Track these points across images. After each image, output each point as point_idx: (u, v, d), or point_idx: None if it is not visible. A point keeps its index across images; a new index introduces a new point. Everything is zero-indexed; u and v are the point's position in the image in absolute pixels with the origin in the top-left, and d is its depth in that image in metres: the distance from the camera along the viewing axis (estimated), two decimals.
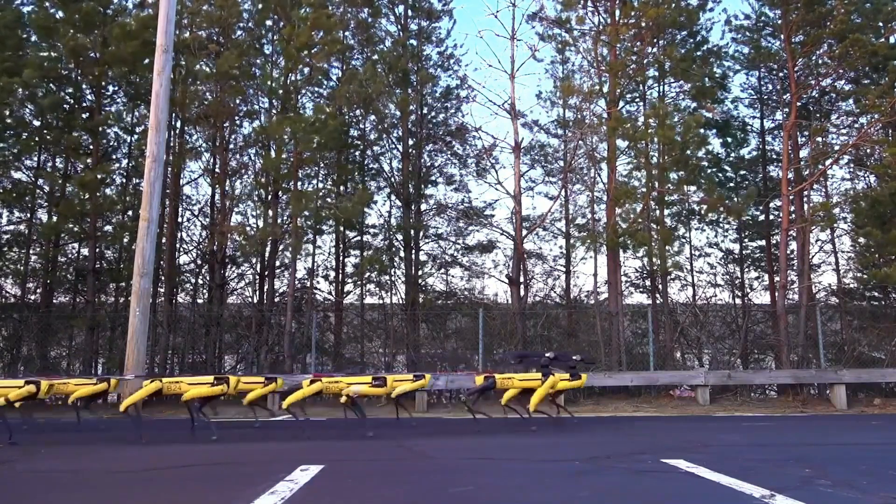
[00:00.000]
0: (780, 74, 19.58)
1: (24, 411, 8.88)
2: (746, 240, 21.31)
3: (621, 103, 18.19)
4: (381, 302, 19.70)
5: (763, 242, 20.74)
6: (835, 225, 18.71)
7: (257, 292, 18.68)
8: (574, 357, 9.38)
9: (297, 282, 17.81)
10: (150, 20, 15.68)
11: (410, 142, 19.34)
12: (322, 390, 8.56)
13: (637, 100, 19.48)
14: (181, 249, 19.45)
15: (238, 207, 18.78)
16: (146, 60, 15.89)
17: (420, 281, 19.38)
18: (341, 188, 18.89)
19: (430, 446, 6.94)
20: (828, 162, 18.19)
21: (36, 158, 17.83)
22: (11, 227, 18.09)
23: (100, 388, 8.75)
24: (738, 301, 20.77)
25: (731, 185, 20.52)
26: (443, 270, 20.58)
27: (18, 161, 17.19)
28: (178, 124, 18.18)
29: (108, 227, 17.52)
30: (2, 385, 8.20)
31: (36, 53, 16.22)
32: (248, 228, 17.35)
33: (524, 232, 18.66)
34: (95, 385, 8.71)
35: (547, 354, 9.21)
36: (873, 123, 17.08)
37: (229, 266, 18.92)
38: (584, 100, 17.70)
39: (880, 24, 16.84)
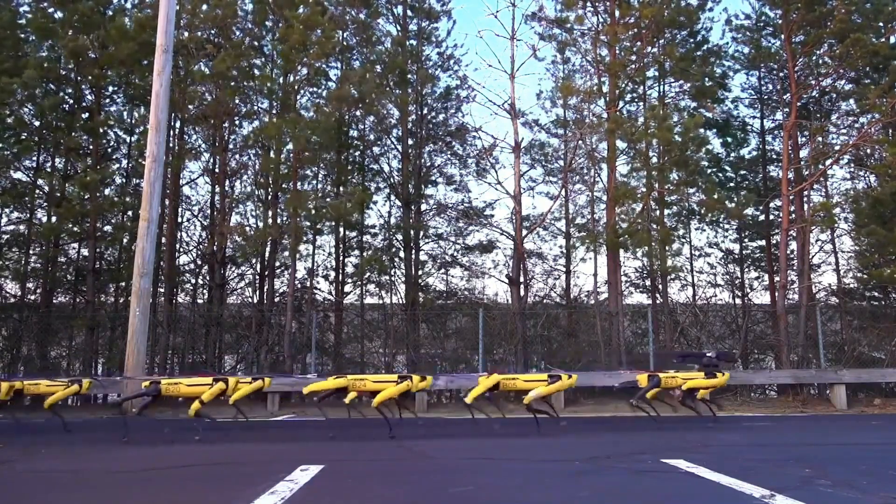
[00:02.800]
0: (781, 74, 19.57)
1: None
2: (746, 240, 21.32)
3: (621, 103, 18.19)
4: (381, 302, 19.71)
5: (763, 242, 20.73)
6: (835, 225, 18.71)
7: (257, 292, 18.69)
8: (709, 354, 9.52)
9: (297, 282, 17.81)
10: (148, 21, 15.69)
11: (410, 142, 19.34)
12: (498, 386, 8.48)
13: (637, 100, 19.48)
14: (181, 249, 19.47)
15: (238, 208, 18.80)
16: (145, 61, 15.89)
17: (420, 281, 19.38)
18: (341, 188, 18.88)
19: (430, 446, 6.94)
20: (828, 162, 18.19)
21: (36, 159, 17.83)
22: (11, 228, 18.10)
23: (70, 391, 8.69)
24: (738, 301, 20.77)
25: (731, 185, 20.52)
26: (443, 270, 20.59)
27: (18, 161, 17.20)
28: (178, 124, 18.18)
29: (108, 228, 17.52)
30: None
31: (35, 54, 16.23)
32: (247, 229, 17.35)
33: (524, 232, 18.66)
34: (67, 388, 8.66)
35: (709, 354, 9.39)
36: (873, 123, 17.08)
37: (229, 266, 18.92)
38: (584, 100, 17.71)
39: (881, 24, 16.84)
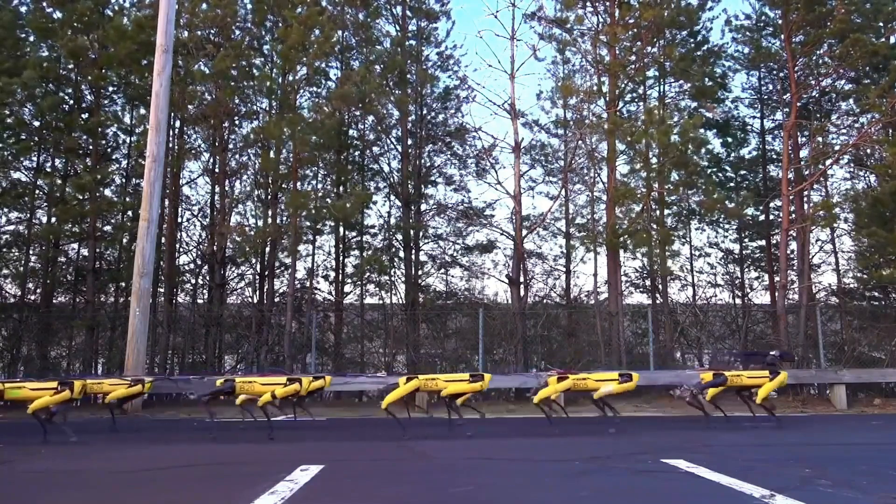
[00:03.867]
0: (781, 74, 19.58)
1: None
2: (746, 240, 21.31)
3: (621, 103, 18.19)
4: (381, 302, 19.70)
5: (763, 242, 20.73)
6: (835, 225, 18.70)
7: (257, 292, 18.68)
8: (773, 353, 9.57)
9: (296, 282, 17.81)
10: (147, 21, 15.69)
11: (410, 142, 19.34)
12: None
13: (637, 100, 19.48)
14: (181, 249, 19.46)
15: (237, 207, 18.80)
16: (144, 61, 15.90)
17: (420, 281, 19.38)
18: (340, 188, 18.89)
19: (430, 446, 6.94)
20: (828, 162, 18.19)
21: (35, 159, 17.83)
22: (11, 228, 18.10)
23: (134, 390, 8.78)
24: (738, 301, 20.77)
25: (731, 185, 20.53)
26: (443, 271, 20.59)
27: (18, 161, 17.20)
28: (178, 124, 18.18)
29: (108, 228, 17.53)
30: (36, 387, 8.09)
31: (35, 54, 16.22)
32: (247, 229, 17.35)
33: (524, 232, 18.66)
34: (129, 387, 8.74)
35: (772, 353, 9.47)
36: (873, 123, 17.08)
37: (229, 266, 18.92)
38: (584, 100, 17.71)
39: (880, 24, 16.84)
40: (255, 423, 9.76)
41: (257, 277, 18.67)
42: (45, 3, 16.36)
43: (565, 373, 8.69)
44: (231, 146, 18.28)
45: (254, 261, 18.56)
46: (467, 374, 8.47)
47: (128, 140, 18.61)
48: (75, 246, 18.27)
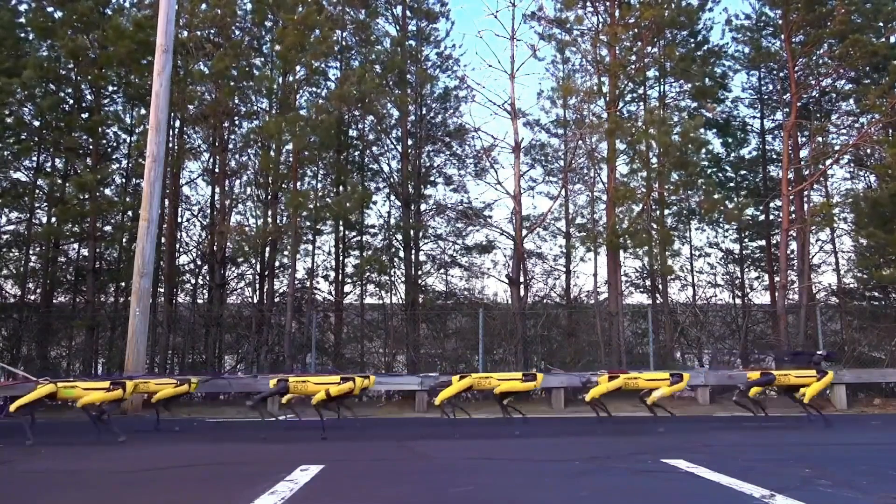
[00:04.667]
0: (781, 74, 19.57)
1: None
2: (746, 240, 21.30)
3: (621, 103, 18.19)
4: (381, 302, 19.70)
5: (763, 242, 20.73)
6: (835, 225, 18.71)
7: (257, 292, 18.67)
8: (820, 353, 9.59)
9: (296, 282, 17.80)
10: (146, 20, 15.69)
11: (410, 142, 19.34)
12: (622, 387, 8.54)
13: (637, 100, 19.47)
14: (181, 249, 19.45)
15: (237, 207, 18.80)
16: (144, 61, 15.89)
17: (420, 281, 19.38)
18: (340, 188, 18.89)
19: (430, 446, 6.94)
20: (828, 162, 18.19)
21: (35, 159, 17.83)
22: (11, 228, 18.10)
23: (180, 389, 8.76)
24: (738, 301, 20.76)
25: (731, 185, 20.52)
26: (442, 271, 20.59)
27: (18, 161, 17.19)
28: (177, 124, 18.18)
29: (108, 228, 17.52)
30: (89, 386, 8.08)
31: (35, 54, 16.21)
32: (247, 229, 17.35)
33: (524, 232, 18.66)
34: (176, 387, 8.75)
35: (819, 352, 9.53)
36: (873, 123, 17.08)
37: (229, 266, 18.92)
38: (584, 100, 17.71)
39: (880, 24, 16.84)
40: (254, 423, 9.75)
41: (257, 277, 18.67)
42: (45, 3, 16.36)
43: (617, 372, 8.71)
44: (231, 146, 18.28)
45: (254, 261, 18.56)
46: (520, 373, 8.51)
47: (128, 140, 18.61)
48: (75, 246, 18.26)
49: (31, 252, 17.89)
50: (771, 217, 20.31)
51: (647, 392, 8.51)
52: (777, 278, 17.93)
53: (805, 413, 8.95)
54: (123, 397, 8.11)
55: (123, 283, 17.15)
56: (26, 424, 7.48)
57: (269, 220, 17.32)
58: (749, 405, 8.78)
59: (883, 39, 16.80)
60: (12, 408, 7.71)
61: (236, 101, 17.37)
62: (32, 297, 17.66)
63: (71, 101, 17.21)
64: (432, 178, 20.34)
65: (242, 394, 13.37)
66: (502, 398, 8.42)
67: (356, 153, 20.04)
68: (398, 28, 19.59)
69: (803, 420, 9.02)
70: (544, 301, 20.08)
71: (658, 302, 18.96)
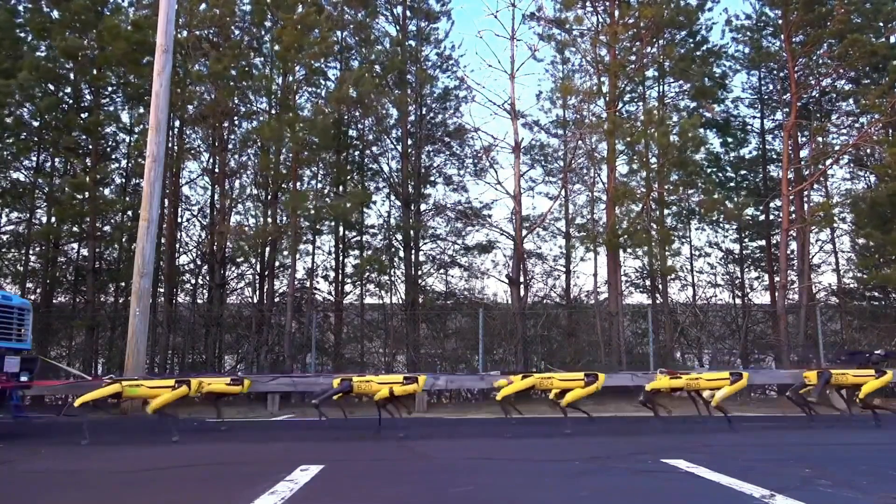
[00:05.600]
0: (781, 74, 19.58)
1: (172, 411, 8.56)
2: (746, 240, 21.31)
3: (621, 103, 18.19)
4: (380, 302, 19.71)
5: (763, 242, 20.73)
6: (835, 225, 18.71)
7: (257, 292, 18.68)
8: (878, 352, 9.58)
9: (296, 282, 17.81)
10: (144, 20, 15.68)
11: (409, 142, 19.34)
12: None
13: (637, 100, 19.48)
14: (181, 249, 19.46)
15: (237, 207, 18.80)
16: (143, 61, 15.89)
17: (420, 281, 19.38)
18: (340, 188, 18.89)
19: (430, 446, 6.93)
20: (828, 162, 18.20)
21: (35, 159, 17.83)
22: (11, 228, 18.09)
23: (233, 389, 8.58)
24: (738, 301, 20.77)
25: (731, 185, 20.52)
26: (442, 271, 20.60)
27: (17, 161, 17.19)
28: (177, 124, 18.18)
29: (108, 228, 17.52)
30: (154, 385, 7.98)
31: (33, 54, 16.21)
32: (247, 228, 17.35)
33: (524, 232, 18.66)
34: (229, 385, 8.55)
35: (877, 352, 9.49)
36: (873, 123, 17.09)
37: (229, 266, 18.92)
38: (584, 100, 17.71)
39: (880, 23, 16.84)
40: (254, 423, 9.75)
41: (257, 277, 18.67)
42: (42, 3, 16.34)
43: (677, 373, 8.70)
44: (230, 146, 18.29)
45: (253, 261, 18.56)
46: (582, 373, 8.47)
47: (127, 140, 18.61)
48: (75, 246, 18.28)
49: (31, 252, 17.89)
50: (771, 217, 20.32)
51: (705, 392, 8.47)
52: (777, 278, 17.94)
53: (859, 414, 8.91)
54: (189, 395, 7.95)
55: (123, 283, 17.16)
56: (85, 422, 7.42)
57: (269, 220, 17.32)
58: (803, 404, 8.81)
59: (882, 39, 16.81)
60: (77, 402, 7.63)
61: (236, 102, 17.38)
62: (32, 297, 17.66)
63: (70, 102, 17.21)
64: (432, 178, 20.35)
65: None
66: (559, 398, 8.35)
67: (356, 153, 20.05)
68: (398, 28, 19.60)
69: (803, 420, 9.01)
70: (544, 301, 20.09)
71: (658, 302, 18.97)
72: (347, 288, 19.87)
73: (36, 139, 17.17)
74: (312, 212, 16.72)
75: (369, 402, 8.38)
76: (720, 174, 20.37)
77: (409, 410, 9.57)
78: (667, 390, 8.51)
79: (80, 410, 7.64)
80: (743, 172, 20.93)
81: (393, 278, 19.20)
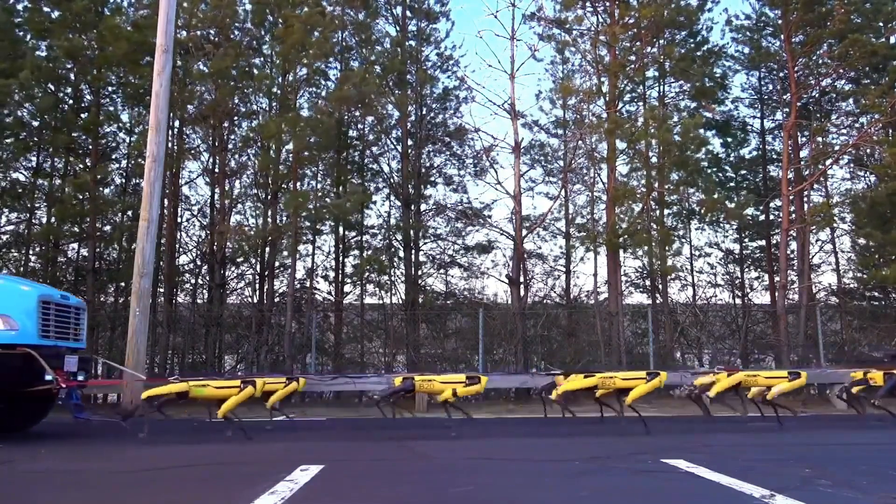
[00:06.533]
0: (781, 74, 19.58)
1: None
2: (746, 240, 21.31)
3: (621, 103, 18.19)
4: (380, 302, 19.71)
5: (763, 242, 20.73)
6: (835, 225, 18.72)
7: (257, 292, 18.68)
8: None
9: (296, 282, 17.81)
10: (144, 20, 15.68)
11: (410, 142, 19.34)
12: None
13: (637, 100, 19.48)
14: (181, 249, 19.46)
15: (237, 207, 18.80)
16: (143, 61, 15.88)
17: (420, 281, 19.38)
18: (340, 188, 18.89)
19: (430, 446, 6.93)
20: (828, 162, 18.20)
21: (34, 159, 17.82)
22: (11, 228, 18.09)
23: (289, 388, 8.47)
24: (738, 301, 20.77)
25: (731, 185, 20.52)
26: (442, 271, 20.60)
27: (17, 161, 17.19)
28: (177, 124, 18.18)
29: (108, 228, 17.52)
30: (220, 385, 7.93)
31: (33, 54, 16.20)
32: (246, 228, 17.36)
33: (524, 232, 18.66)
34: (285, 386, 8.45)
35: None
36: (873, 123, 17.09)
37: (229, 266, 18.92)
38: (584, 100, 17.71)
39: (880, 23, 16.85)
40: (254, 423, 9.73)
41: (257, 277, 18.67)
42: (42, 3, 16.34)
43: (734, 370, 8.70)
44: (230, 146, 18.28)
45: (253, 261, 18.57)
46: (644, 372, 8.48)
47: (127, 140, 18.61)
48: (75, 246, 18.27)
49: (30, 252, 17.89)
50: (771, 217, 20.32)
51: (768, 389, 8.48)
52: (777, 278, 17.94)
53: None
54: (255, 395, 7.86)
55: (123, 283, 17.15)
56: (146, 419, 7.38)
57: (269, 220, 17.32)
58: (855, 404, 8.83)
59: (882, 39, 16.81)
60: (144, 395, 7.63)
61: (236, 102, 17.37)
62: None
63: (70, 102, 17.21)
64: (432, 179, 20.35)
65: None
66: (620, 396, 8.35)
67: (356, 153, 20.05)
68: (398, 28, 19.60)
69: (802, 420, 9.01)
70: (544, 301, 20.09)
71: (658, 302, 18.97)
72: (347, 288, 19.89)
73: (36, 139, 17.16)
74: (312, 212, 16.72)
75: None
76: (720, 174, 20.37)
77: (465, 411, 9.25)
78: (729, 387, 8.46)
79: (146, 405, 7.60)
80: (743, 172, 20.93)
81: (393, 278, 19.21)
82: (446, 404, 8.06)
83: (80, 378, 7.80)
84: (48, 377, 6.92)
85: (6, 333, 6.78)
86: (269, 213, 17.60)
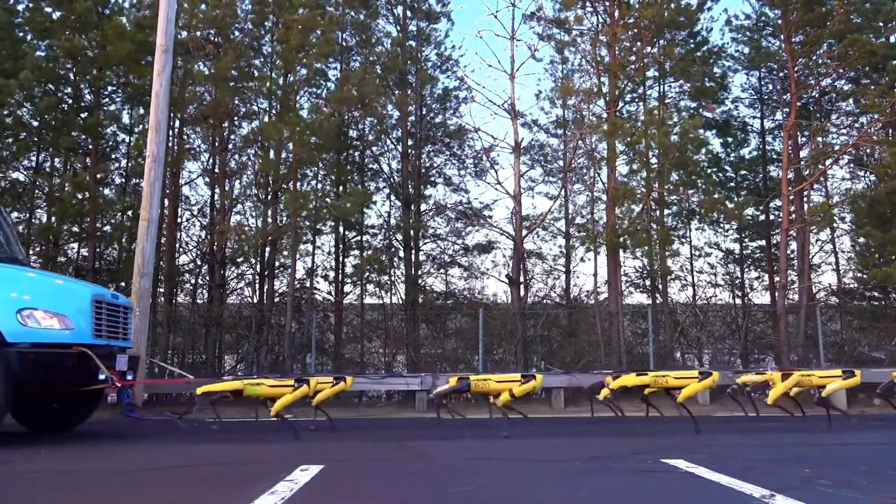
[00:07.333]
0: (780, 74, 19.58)
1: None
2: (746, 240, 21.31)
3: (621, 103, 18.20)
4: (380, 302, 19.71)
5: (763, 242, 20.73)
6: (835, 225, 18.72)
7: (257, 292, 18.68)
8: None
9: (296, 282, 17.81)
10: (145, 21, 15.68)
11: (410, 142, 19.34)
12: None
13: (637, 100, 19.49)
14: (181, 249, 19.46)
15: (237, 207, 18.81)
16: (143, 61, 15.89)
17: (420, 281, 19.39)
18: (340, 188, 18.90)
19: (430, 446, 6.93)
20: (828, 162, 18.20)
21: (34, 159, 17.83)
22: None
23: (337, 388, 8.40)
24: (738, 301, 20.77)
25: (732, 185, 20.52)
26: (442, 271, 20.61)
27: (17, 161, 17.20)
28: (177, 124, 18.18)
29: (108, 228, 17.52)
30: (274, 384, 7.90)
31: (33, 54, 16.21)
32: (247, 228, 17.36)
33: (524, 232, 18.66)
34: (333, 385, 8.38)
35: None
36: (873, 123, 17.09)
37: (229, 266, 18.92)
38: (584, 100, 17.72)
39: (880, 24, 16.85)
40: (254, 423, 9.73)
41: (257, 277, 18.67)
42: (43, 3, 16.34)
43: (789, 370, 8.69)
44: (231, 146, 18.28)
45: (253, 261, 18.56)
46: (696, 370, 8.46)
47: (127, 139, 18.61)
48: (75, 246, 18.27)
49: (30, 252, 17.87)
50: (771, 217, 20.32)
51: (822, 388, 8.48)
52: (777, 278, 17.94)
53: None
54: (309, 394, 7.83)
55: (123, 283, 17.13)
56: (215, 414, 7.36)
57: (269, 220, 17.32)
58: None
59: (882, 39, 16.81)
60: (199, 390, 7.63)
61: (236, 102, 17.37)
62: None
63: (70, 102, 17.21)
64: (432, 179, 20.36)
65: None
66: (674, 396, 8.36)
67: (356, 153, 20.05)
68: (398, 29, 19.60)
69: (803, 420, 9.01)
70: (544, 301, 20.09)
71: (658, 302, 18.97)
72: (347, 288, 19.90)
73: (36, 139, 17.16)
74: (312, 212, 16.72)
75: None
76: (720, 174, 20.38)
77: (517, 410, 9.06)
78: (787, 389, 8.44)
79: (201, 400, 7.60)
80: (743, 172, 20.93)
81: (393, 278, 19.21)
82: (497, 404, 8.01)
83: (130, 377, 7.81)
84: (102, 376, 6.92)
85: (61, 333, 6.75)
86: (269, 213, 17.60)
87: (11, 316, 6.48)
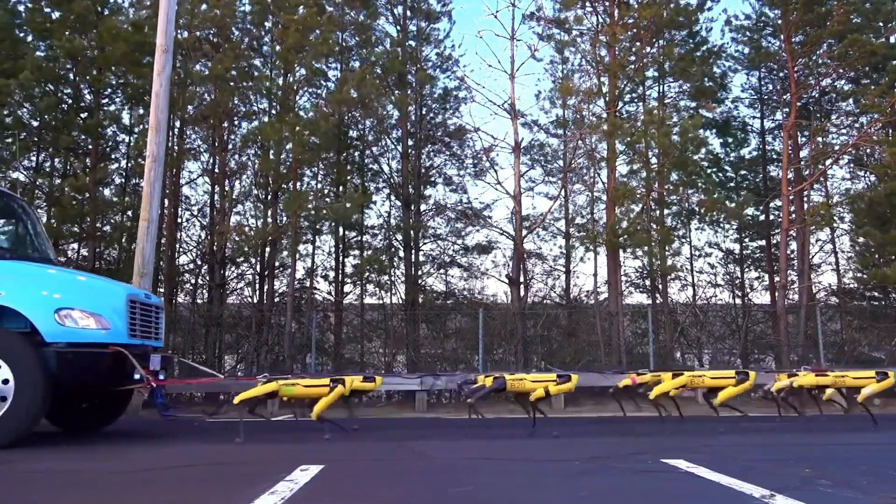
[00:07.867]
0: (780, 74, 19.59)
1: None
2: (747, 240, 21.32)
3: (621, 103, 18.20)
4: (380, 302, 19.71)
5: (763, 242, 20.73)
6: (835, 225, 18.73)
7: (257, 292, 18.68)
8: None
9: (296, 282, 17.81)
10: (144, 21, 15.68)
11: (410, 142, 19.35)
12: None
13: (637, 100, 19.49)
14: (181, 249, 19.46)
15: (237, 207, 18.81)
16: (143, 61, 15.89)
17: (420, 281, 19.39)
18: (340, 188, 18.90)
19: (430, 446, 6.93)
20: (828, 162, 18.21)
21: (34, 159, 17.82)
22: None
23: (367, 386, 8.29)
24: (738, 301, 20.77)
25: (732, 185, 20.53)
26: (442, 271, 20.61)
27: (17, 161, 17.19)
28: (177, 125, 18.18)
29: (108, 228, 17.51)
30: (310, 384, 7.76)
31: (33, 54, 16.20)
32: (247, 228, 17.36)
33: (524, 232, 18.66)
34: (363, 383, 8.24)
35: None
36: (873, 123, 17.10)
37: (229, 266, 18.92)
38: (583, 100, 17.72)
39: (880, 23, 16.86)
40: (254, 423, 9.73)
41: (257, 277, 18.67)
42: (43, 3, 16.34)
43: (824, 370, 8.62)
44: (230, 146, 18.29)
45: (253, 261, 18.57)
46: (733, 370, 8.40)
47: (127, 140, 18.61)
48: (75, 246, 18.26)
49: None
50: (771, 217, 20.33)
51: (858, 391, 8.45)
52: (777, 278, 17.94)
53: None
54: (345, 394, 7.68)
55: None
56: (241, 422, 7.34)
57: (269, 220, 17.32)
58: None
59: (882, 39, 16.82)
60: (236, 399, 7.56)
61: (236, 102, 17.37)
62: None
63: (70, 102, 17.20)
64: (432, 179, 20.36)
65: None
66: (709, 398, 8.33)
67: (356, 153, 20.05)
68: (398, 29, 19.61)
69: (803, 420, 9.01)
70: (544, 301, 20.09)
71: (658, 302, 18.97)
72: (347, 288, 19.90)
73: (36, 139, 17.16)
74: (312, 212, 16.72)
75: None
76: (720, 174, 20.38)
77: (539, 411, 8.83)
78: (812, 387, 8.39)
79: (238, 408, 7.56)
80: (743, 172, 20.93)
81: (393, 278, 19.22)
82: (532, 404, 7.96)
83: (162, 377, 7.79)
84: (138, 376, 6.90)
85: (98, 332, 6.73)
86: (269, 213, 17.60)
87: (49, 316, 6.47)
